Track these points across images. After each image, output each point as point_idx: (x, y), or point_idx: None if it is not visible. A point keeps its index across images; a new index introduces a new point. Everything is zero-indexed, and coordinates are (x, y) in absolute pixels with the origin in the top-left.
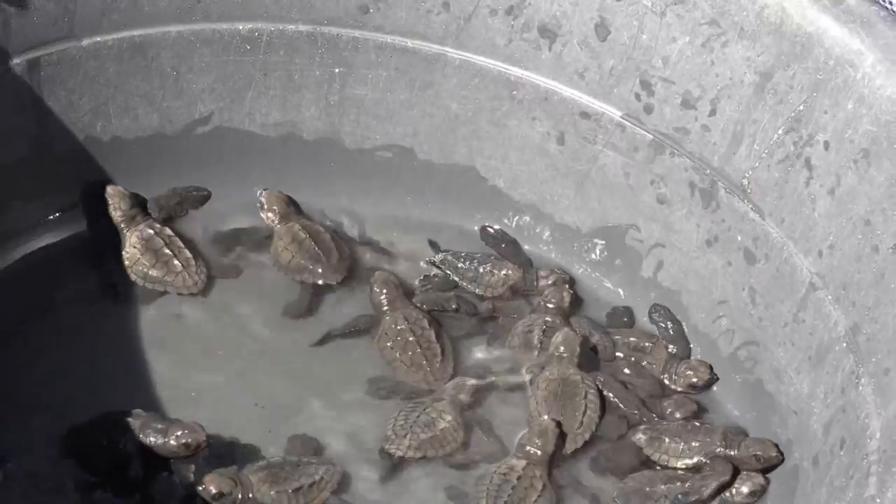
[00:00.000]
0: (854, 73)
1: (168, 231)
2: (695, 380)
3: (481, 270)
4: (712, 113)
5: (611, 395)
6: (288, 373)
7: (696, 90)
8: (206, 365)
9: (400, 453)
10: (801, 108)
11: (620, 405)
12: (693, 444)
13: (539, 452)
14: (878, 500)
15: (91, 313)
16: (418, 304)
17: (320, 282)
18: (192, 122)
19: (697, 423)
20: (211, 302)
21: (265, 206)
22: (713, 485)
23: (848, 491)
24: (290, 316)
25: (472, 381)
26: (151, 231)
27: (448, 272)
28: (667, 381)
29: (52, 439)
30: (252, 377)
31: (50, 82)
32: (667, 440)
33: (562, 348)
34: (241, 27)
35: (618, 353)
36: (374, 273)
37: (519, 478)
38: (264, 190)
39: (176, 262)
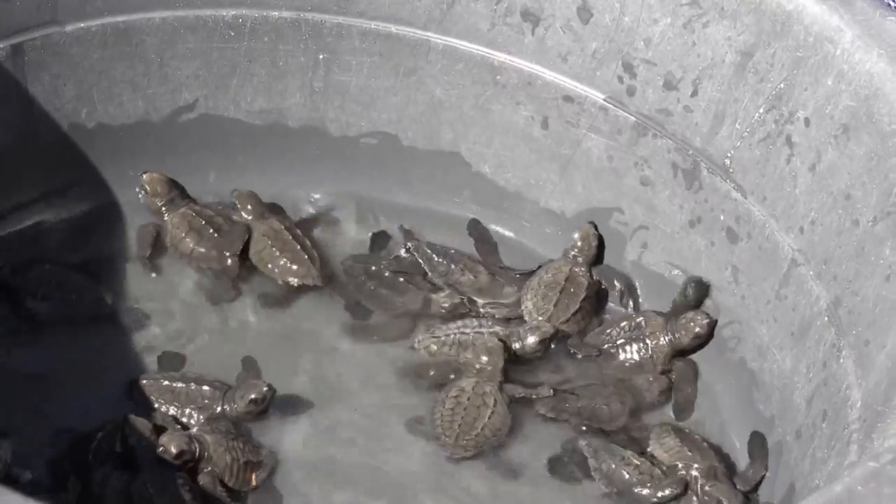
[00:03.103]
0: (833, 50)
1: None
2: (698, 329)
3: (453, 268)
4: (694, 94)
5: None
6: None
7: (678, 71)
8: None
9: (416, 346)
10: (782, 85)
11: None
12: (686, 452)
13: (488, 368)
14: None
15: (75, 301)
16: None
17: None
18: (177, 108)
19: (706, 444)
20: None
21: (148, 192)
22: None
23: (829, 461)
24: (215, 301)
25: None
26: None
27: (420, 260)
28: (672, 340)
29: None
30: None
31: (34, 68)
32: (670, 439)
33: (579, 243)
34: (225, 13)
35: (620, 341)
36: (234, 192)
37: (469, 398)
38: (144, 173)
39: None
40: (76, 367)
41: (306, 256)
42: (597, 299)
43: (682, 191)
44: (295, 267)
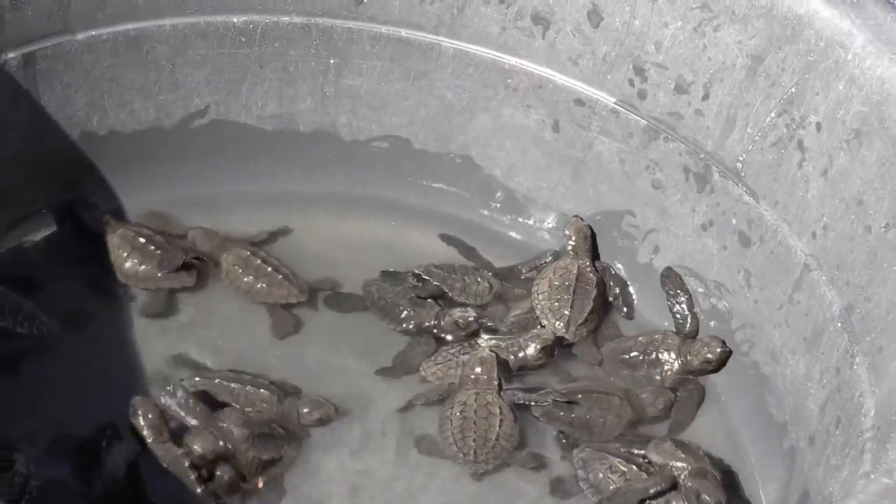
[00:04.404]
0: (844, 54)
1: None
2: (709, 355)
3: (467, 281)
4: (705, 97)
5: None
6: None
7: (689, 75)
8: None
9: (423, 374)
10: (793, 90)
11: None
12: (680, 454)
13: (483, 378)
14: (872, 477)
15: (78, 308)
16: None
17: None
18: (188, 115)
19: (702, 452)
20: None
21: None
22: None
23: (844, 469)
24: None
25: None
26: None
27: (437, 282)
28: (684, 362)
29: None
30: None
31: (45, 77)
32: (667, 444)
33: (574, 237)
34: (235, 19)
35: (633, 353)
36: (189, 232)
37: (475, 411)
38: None
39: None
40: (81, 375)
41: (280, 276)
42: (602, 294)
43: (694, 194)
44: (273, 289)
